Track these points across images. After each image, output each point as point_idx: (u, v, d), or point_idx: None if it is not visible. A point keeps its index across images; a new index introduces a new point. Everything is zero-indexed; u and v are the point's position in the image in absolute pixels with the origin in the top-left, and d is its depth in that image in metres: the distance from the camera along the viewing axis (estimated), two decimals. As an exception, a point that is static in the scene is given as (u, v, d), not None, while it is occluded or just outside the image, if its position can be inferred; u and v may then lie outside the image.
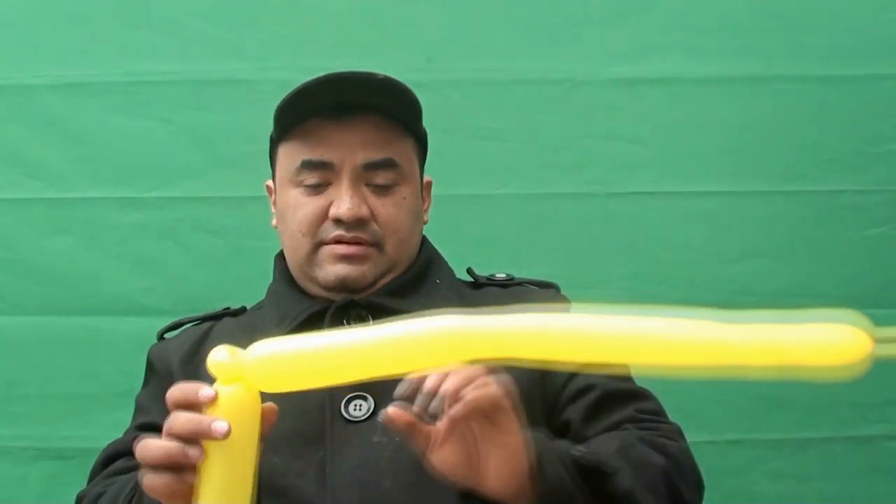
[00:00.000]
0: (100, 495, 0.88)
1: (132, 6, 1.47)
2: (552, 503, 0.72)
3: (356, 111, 0.93)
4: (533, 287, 1.04)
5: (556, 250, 1.42)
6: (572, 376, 0.93)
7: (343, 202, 0.91)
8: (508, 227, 1.42)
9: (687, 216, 1.43)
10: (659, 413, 0.92)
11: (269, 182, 1.03)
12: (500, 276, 1.05)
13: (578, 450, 0.77)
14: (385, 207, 0.94)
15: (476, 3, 1.47)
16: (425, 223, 1.04)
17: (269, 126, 1.43)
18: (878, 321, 1.50)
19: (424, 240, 1.04)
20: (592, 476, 0.76)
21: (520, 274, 1.06)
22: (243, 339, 0.77)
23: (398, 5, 1.47)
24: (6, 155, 1.44)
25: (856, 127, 1.44)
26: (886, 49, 1.45)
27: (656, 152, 1.44)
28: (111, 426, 1.31)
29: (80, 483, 1.32)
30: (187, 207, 1.43)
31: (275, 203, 1.01)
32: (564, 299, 1.02)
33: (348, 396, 0.86)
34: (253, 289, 1.12)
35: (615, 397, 0.90)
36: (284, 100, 0.94)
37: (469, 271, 1.07)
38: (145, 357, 1.37)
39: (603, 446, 0.81)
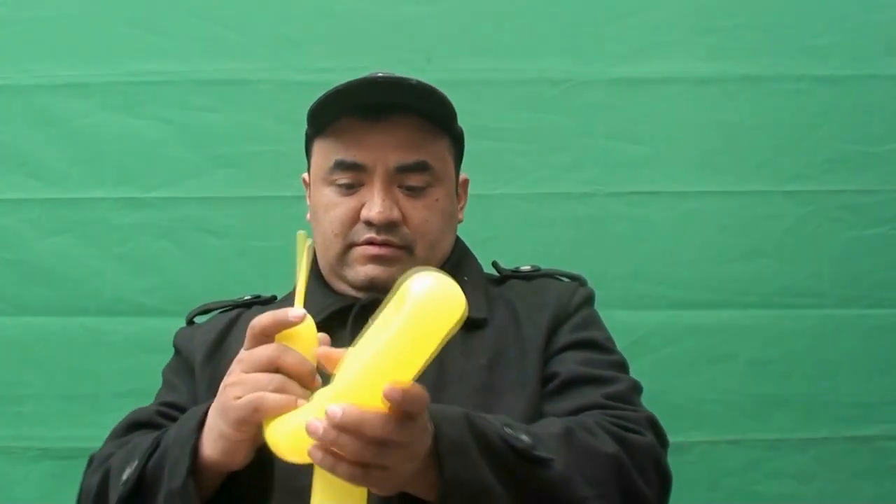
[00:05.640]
0: (110, 455, 0.86)
1: (132, 6, 1.47)
2: (459, 494, 0.69)
3: (390, 112, 0.94)
4: (556, 278, 1.04)
5: (556, 250, 1.42)
6: (552, 358, 0.93)
7: (374, 205, 0.92)
8: (508, 226, 1.42)
9: (687, 216, 1.43)
10: (627, 398, 0.89)
11: (305, 175, 1.04)
12: (526, 268, 1.06)
13: (507, 432, 0.74)
14: (416, 210, 0.95)
15: (476, 3, 1.47)
16: (460, 222, 1.04)
17: (268, 126, 1.45)
18: (879, 321, 1.50)
19: (457, 239, 1.04)
20: (519, 462, 0.73)
21: (546, 266, 1.06)
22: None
23: (398, 5, 1.47)
24: (6, 155, 1.45)
25: (855, 127, 1.43)
26: (886, 49, 1.45)
27: (656, 152, 1.44)
28: (112, 426, 1.32)
29: (81, 483, 1.34)
30: (187, 207, 1.43)
31: (309, 197, 1.02)
32: (586, 291, 1.01)
33: None
34: (253, 289, 1.12)
35: (580, 381, 0.89)
36: (318, 100, 0.94)
37: (494, 265, 1.07)
38: (146, 357, 1.37)
39: (546, 429, 0.78)
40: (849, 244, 1.42)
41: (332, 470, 0.63)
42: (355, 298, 0.95)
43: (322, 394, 0.67)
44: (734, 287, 1.41)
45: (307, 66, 1.45)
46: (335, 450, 0.62)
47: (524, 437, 0.74)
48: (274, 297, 1.08)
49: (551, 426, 0.80)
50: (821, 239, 1.42)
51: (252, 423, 0.69)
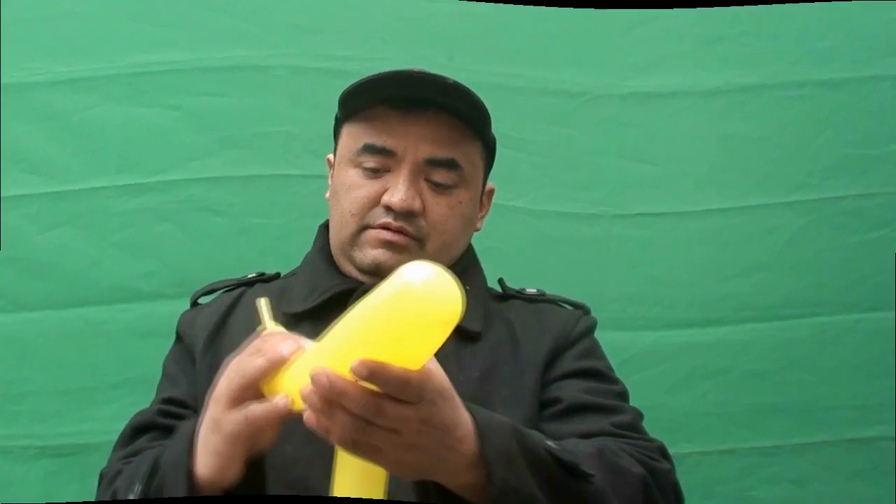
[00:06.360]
0: (117, 473, 0.85)
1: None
2: (508, 501, 0.69)
3: (424, 107, 0.94)
4: (559, 305, 1.04)
5: (554, 269, 1.39)
6: (552, 383, 0.93)
7: (398, 191, 0.92)
8: (510, 239, 1.40)
9: (689, 235, 1.41)
10: (636, 428, 0.91)
11: (330, 156, 1.04)
12: (531, 290, 1.06)
13: (553, 446, 0.74)
14: (438, 206, 0.95)
15: (501, 6, 1.45)
16: (477, 230, 1.04)
17: (280, 108, 1.41)
18: (879, 324, 1.46)
19: (469, 247, 1.04)
20: (563, 475, 0.73)
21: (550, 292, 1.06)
22: (272, 305, 0.78)
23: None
24: (7, 152, 1.38)
25: (855, 130, 1.42)
26: (886, 50, 1.43)
27: (665, 171, 1.42)
28: (109, 419, 1.29)
29: (80, 481, 1.30)
30: (191, 188, 1.39)
31: (332, 177, 1.02)
32: (589, 320, 1.02)
33: None
34: (256, 267, 1.11)
35: (584, 408, 0.90)
36: (352, 85, 0.95)
37: (500, 282, 1.07)
38: (144, 344, 1.33)
39: (577, 447, 0.79)
40: (850, 249, 1.40)
41: (326, 437, 0.62)
42: (360, 282, 0.94)
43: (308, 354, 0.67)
44: (732, 303, 1.40)
45: (324, 53, 1.41)
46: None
47: (566, 453, 0.75)
48: (278, 275, 1.07)
49: (581, 445, 0.80)
50: (822, 246, 1.41)
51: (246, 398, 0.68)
